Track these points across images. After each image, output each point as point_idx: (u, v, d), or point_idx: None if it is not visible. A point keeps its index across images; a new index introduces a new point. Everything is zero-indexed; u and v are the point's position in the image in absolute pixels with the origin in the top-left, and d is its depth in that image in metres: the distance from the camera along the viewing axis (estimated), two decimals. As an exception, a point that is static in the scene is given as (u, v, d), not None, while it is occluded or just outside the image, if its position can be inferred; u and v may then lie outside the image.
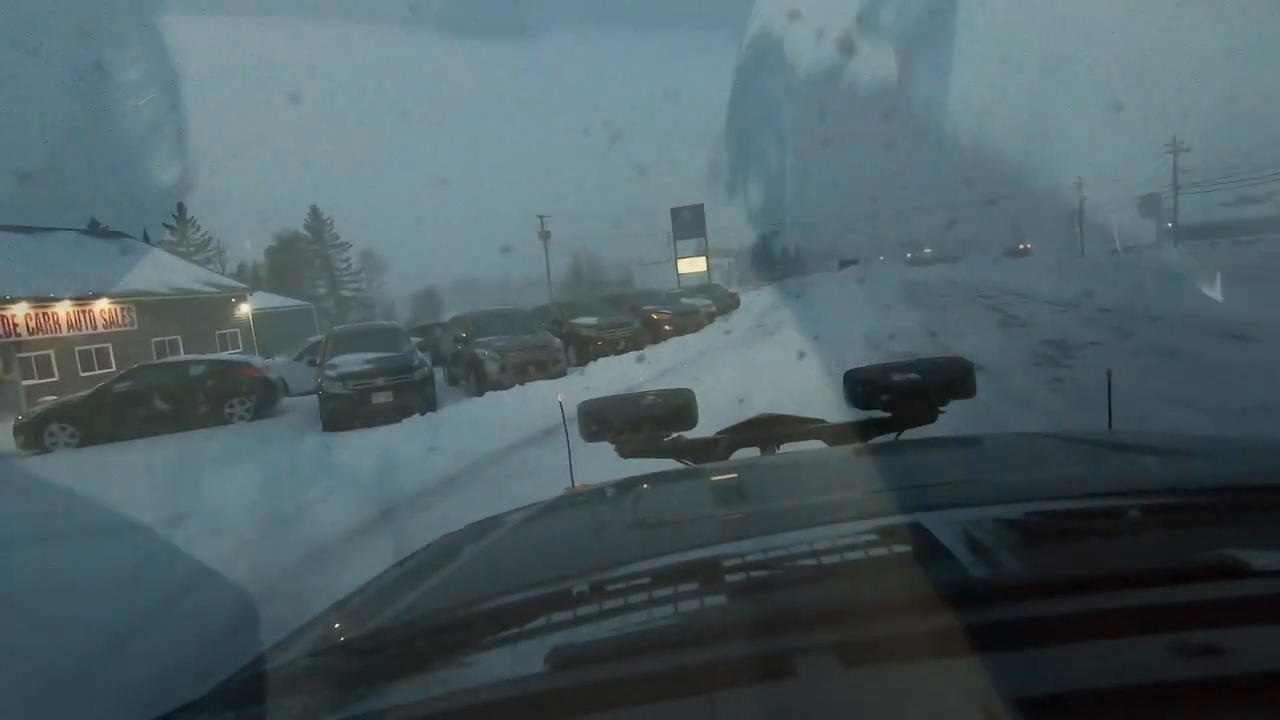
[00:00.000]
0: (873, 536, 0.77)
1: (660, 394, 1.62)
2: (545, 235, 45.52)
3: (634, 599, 0.69)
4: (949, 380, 1.54)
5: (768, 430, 1.59)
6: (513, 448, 7.32)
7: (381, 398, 10.88)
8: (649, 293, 24.18)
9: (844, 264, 64.58)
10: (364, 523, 5.10)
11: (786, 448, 1.57)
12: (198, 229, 51.36)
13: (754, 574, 0.74)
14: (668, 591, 0.71)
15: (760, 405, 2.04)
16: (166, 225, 50.13)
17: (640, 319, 17.65)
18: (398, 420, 9.51)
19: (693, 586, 0.73)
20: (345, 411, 10.74)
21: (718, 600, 0.71)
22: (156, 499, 6.22)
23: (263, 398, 13.17)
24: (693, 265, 43.22)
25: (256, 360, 13.87)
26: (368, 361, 11.26)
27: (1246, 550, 0.61)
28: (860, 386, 1.54)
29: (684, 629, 0.60)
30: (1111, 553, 0.72)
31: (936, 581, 0.58)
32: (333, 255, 54.07)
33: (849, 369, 1.59)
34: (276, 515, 5.06)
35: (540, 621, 0.70)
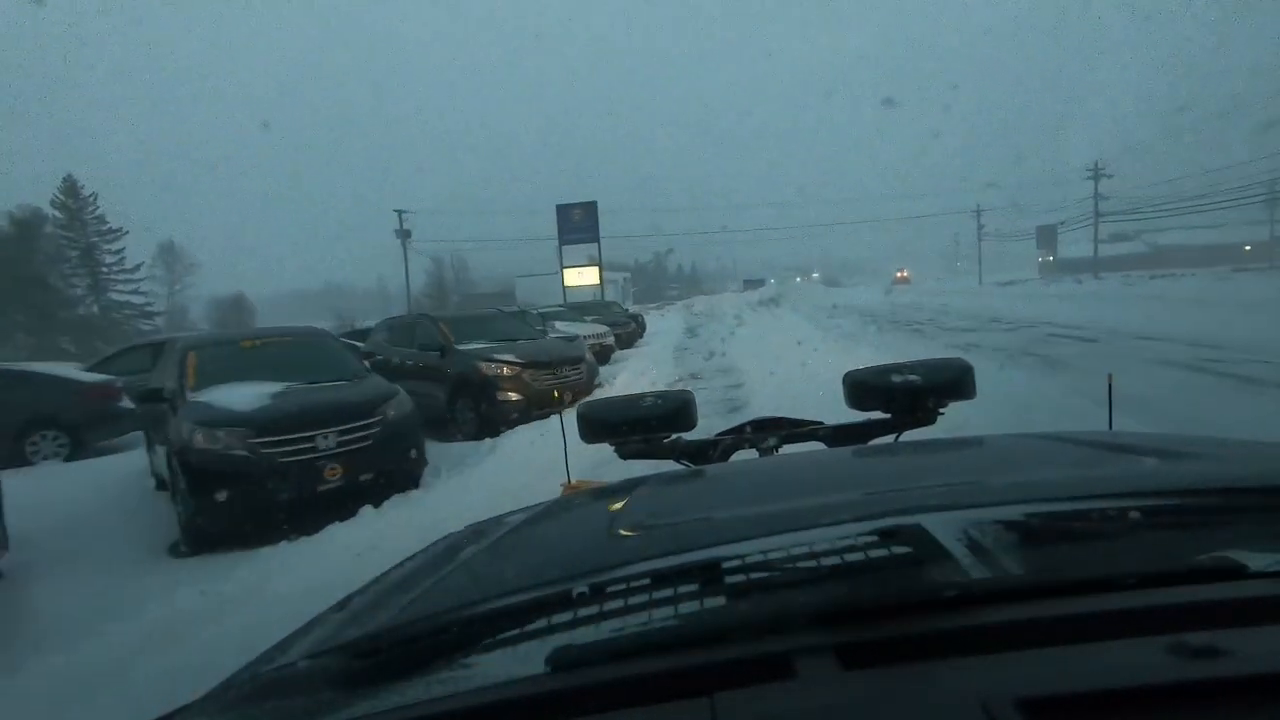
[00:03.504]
0: (873, 536, 0.74)
1: (660, 395, 1.62)
2: (405, 234, 37.14)
3: (634, 600, 0.69)
4: (948, 382, 1.56)
5: (767, 432, 1.63)
6: None
7: (331, 471, 4.57)
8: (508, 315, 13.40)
9: (749, 283, 62.26)
10: None
11: (786, 449, 1.60)
12: (-121, 196, 36.40)
13: (754, 574, 0.73)
14: (667, 592, 0.71)
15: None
16: None
17: (454, 374, 8.44)
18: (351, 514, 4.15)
19: (692, 587, 0.72)
20: (248, 499, 4.38)
21: (717, 600, 0.71)
22: None
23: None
24: (582, 277, 36.78)
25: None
26: (301, 391, 4.52)
27: (1246, 550, 0.62)
28: (860, 388, 1.58)
29: (684, 629, 0.61)
30: (1111, 553, 0.71)
31: (936, 582, 0.61)
32: (97, 244, 40.97)
33: (847, 370, 1.63)
34: None
35: (540, 622, 0.69)
